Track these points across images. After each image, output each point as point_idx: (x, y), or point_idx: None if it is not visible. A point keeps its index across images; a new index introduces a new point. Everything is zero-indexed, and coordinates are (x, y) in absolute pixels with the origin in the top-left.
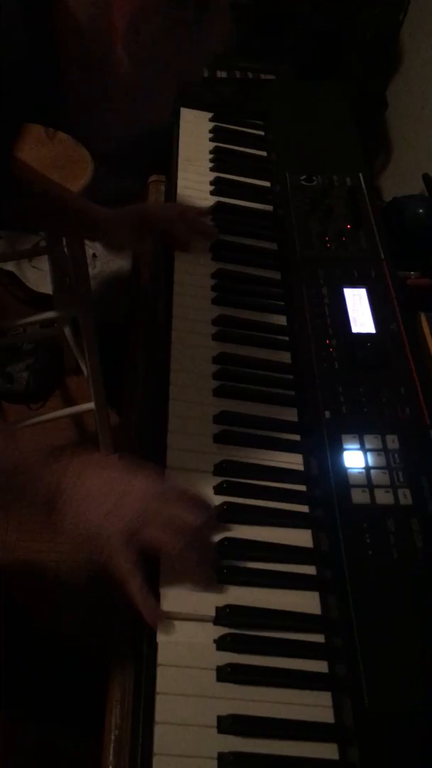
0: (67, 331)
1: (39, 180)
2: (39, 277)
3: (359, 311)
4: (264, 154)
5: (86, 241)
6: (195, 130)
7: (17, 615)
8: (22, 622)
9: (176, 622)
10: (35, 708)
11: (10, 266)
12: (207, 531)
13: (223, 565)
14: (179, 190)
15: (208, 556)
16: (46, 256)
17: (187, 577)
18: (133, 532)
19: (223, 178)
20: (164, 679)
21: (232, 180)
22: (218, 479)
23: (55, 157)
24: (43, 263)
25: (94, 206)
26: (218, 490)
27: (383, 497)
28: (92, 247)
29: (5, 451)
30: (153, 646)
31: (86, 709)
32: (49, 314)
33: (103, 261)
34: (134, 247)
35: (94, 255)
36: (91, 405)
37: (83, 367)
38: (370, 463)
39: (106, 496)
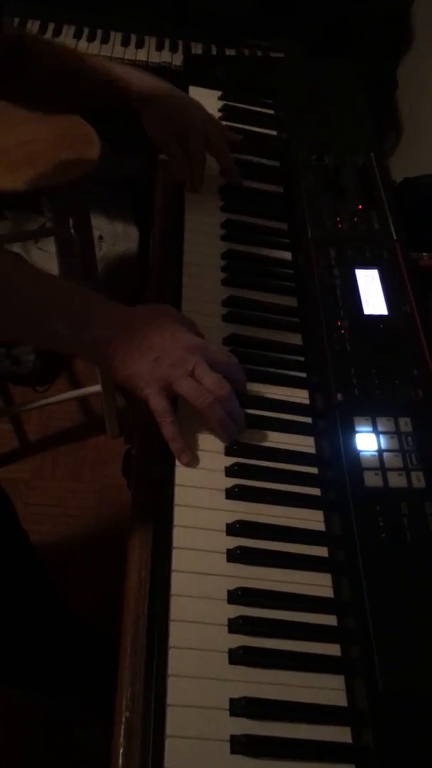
0: None
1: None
2: (45, 258)
3: (371, 292)
4: (274, 133)
5: (92, 223)
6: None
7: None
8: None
9: (187, 601)
10: (46, 686)
11: (16, 248)
12: (234, 397)
13: (234, 546)
14: None
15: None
16: (53, 238)
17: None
18: (170, 381)
19: (232, 157)
20: (176, 661)
21: (242, 159)
22: (229, 461)
23: (59, 136)
24: (50, 245)
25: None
26: (229, 472)
27: (396, 480)
28: (98, 229)
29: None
30: (164, 628)
31: (97, 689)
32: None
33: (109, 243)
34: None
35: (100, 237)
36: (97, 387)
37: None
38: (383, 445)
39: (153, 343)
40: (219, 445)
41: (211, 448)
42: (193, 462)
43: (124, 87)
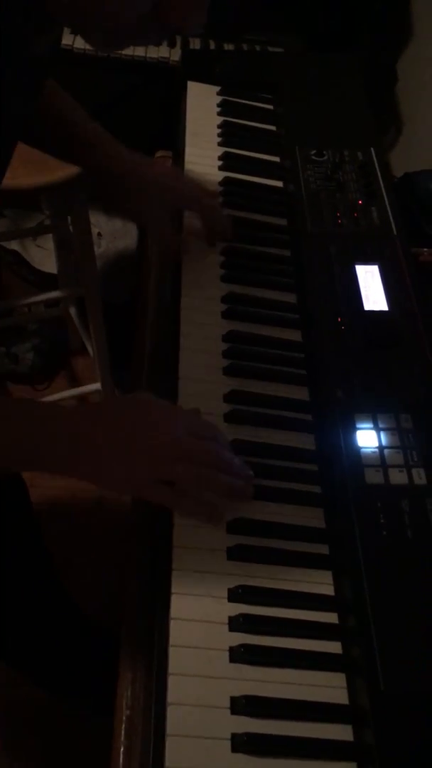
0: (72, 310)
1: (59, 101)
2: (43, 256)
3: (372, 288)
4: (273, 128)
5: (91, 220)
6: (202, 104)
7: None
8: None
9: (187, 599)
10: (49, 681)
11: (14, 245)
12: (227, 462)
13: (234, 545)
14: (187, 166)
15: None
16: (51, 235)
17: (205, 509)
18: (159, 471)
19: (232, 153)
20: (176, 659)
21: (241, 155)
22: None
23: None
24: (48, 242)
25: (121, 160)
26: None
27: (397, 477)
28: (97, 226)
29: (20, 425)
30: (165, 627)
31: (99, 685)
32: (54, 294)
33: (108, 240)
34: (151, 225)
35: (99, 234)
36: (97, 386)
37: (89, 348)
38: (384, 442)
39: (128, 439)
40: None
41: None
42: None
43: (113, 156)
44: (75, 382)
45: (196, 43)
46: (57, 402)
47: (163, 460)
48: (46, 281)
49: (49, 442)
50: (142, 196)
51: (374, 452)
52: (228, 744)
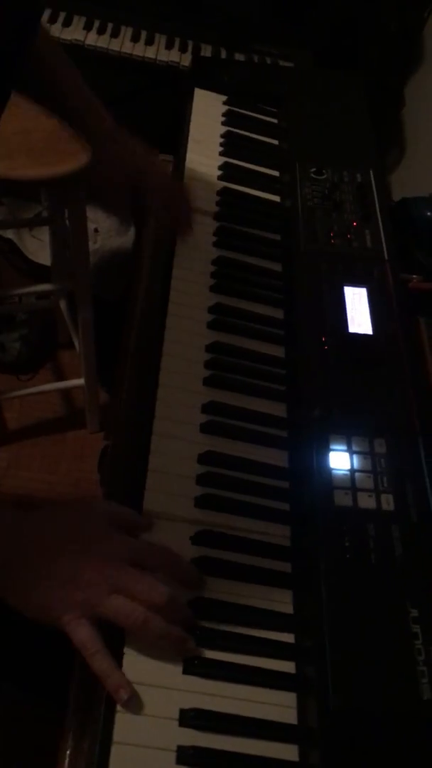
0: (62, 304)
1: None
2: (38, 247)
3: (358, 311)
4: (276, 142)
5: (89, 216)
6: (207, 112)
7: None
8: None
9: None
10: (12, 679)
11: (10, 234)
12: (176, 598)
13: (197, 556)
14: (187, 172)
15: (181, 622)
16: (47, 227)
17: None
18: (90, 605)
19: (232, 164)
20: (129, 667)
21: (241, 166)
22: (202, 469)
23: (58, 127)
24: (44, 233)
25: (99, 116)
26: (200, 479)
27: (366, 501)
28: (95, 222)
29: None
30: (119, 636)
31: (54, 684)
32: (45, 286)
33: (104, 236)
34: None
35: (96, 229)
36: (81, 381)
37: (76, 343)
38: (356, 465)
39: (59, 563)
40: (192, 452)
41: (183, 455)
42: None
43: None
44: (60, 375)
45: (207, 50)
46: None
47: (94, 592)
48: (38, 272)
49: None
50: (109, 159)
51: (345, 474)
52: (173, 756)
